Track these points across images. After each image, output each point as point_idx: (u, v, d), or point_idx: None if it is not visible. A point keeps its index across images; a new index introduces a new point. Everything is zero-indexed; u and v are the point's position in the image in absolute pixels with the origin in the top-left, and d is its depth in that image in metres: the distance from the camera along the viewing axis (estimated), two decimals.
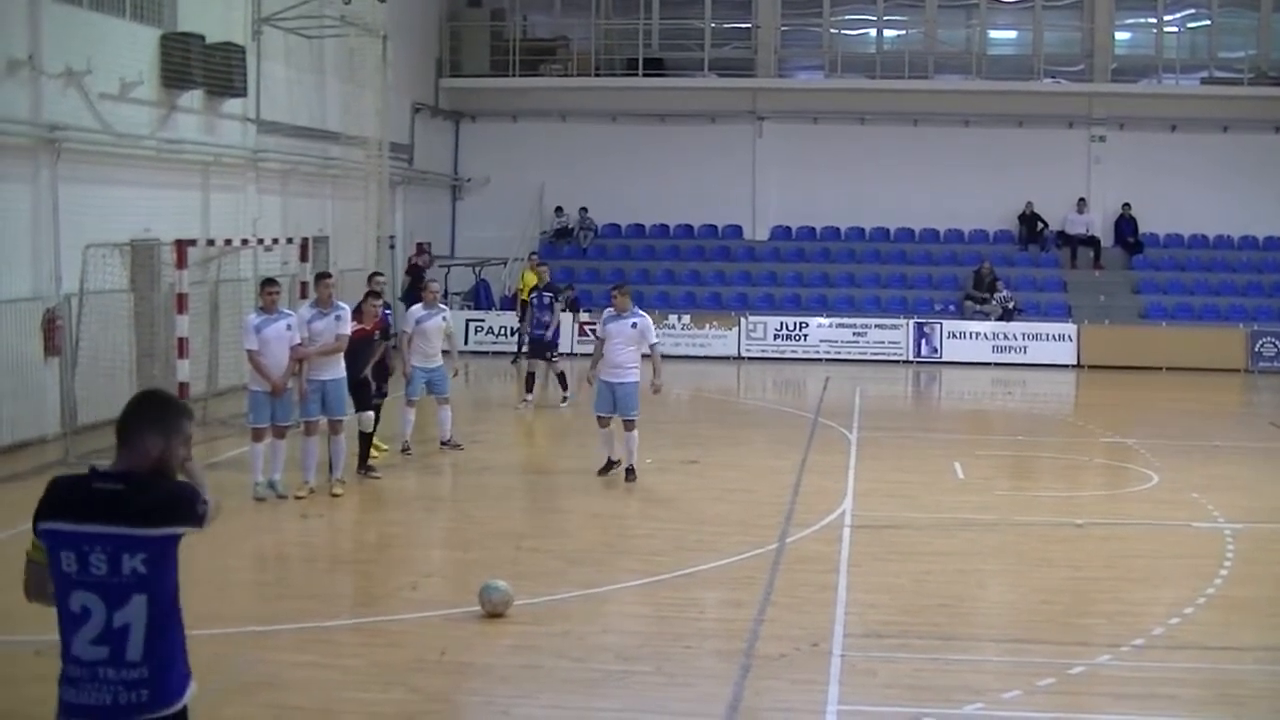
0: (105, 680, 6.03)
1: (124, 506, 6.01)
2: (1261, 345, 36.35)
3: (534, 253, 36.36)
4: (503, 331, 37.15)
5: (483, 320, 38.09)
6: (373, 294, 19.93)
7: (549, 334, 27.05)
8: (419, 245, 38.14)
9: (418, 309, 21.48)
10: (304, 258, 24.78)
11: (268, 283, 18.01)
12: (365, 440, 19.37)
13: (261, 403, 17.69)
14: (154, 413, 6.30)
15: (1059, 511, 17.97)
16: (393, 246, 36.81)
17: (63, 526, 6.01)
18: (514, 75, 42.40)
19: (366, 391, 19.03)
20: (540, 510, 18.11)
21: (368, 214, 32.70)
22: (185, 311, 20.70)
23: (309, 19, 29.81)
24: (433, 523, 17.57)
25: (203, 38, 26.37)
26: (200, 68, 26.21)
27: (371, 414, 19.22)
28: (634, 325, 19.37)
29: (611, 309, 19.74)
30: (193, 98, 26.61)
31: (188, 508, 6.26)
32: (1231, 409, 30.73)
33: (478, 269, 40.27)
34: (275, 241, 25.41)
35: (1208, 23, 43.01)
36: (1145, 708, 10.75)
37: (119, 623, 6.04)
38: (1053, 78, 42.85)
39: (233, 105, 28.11)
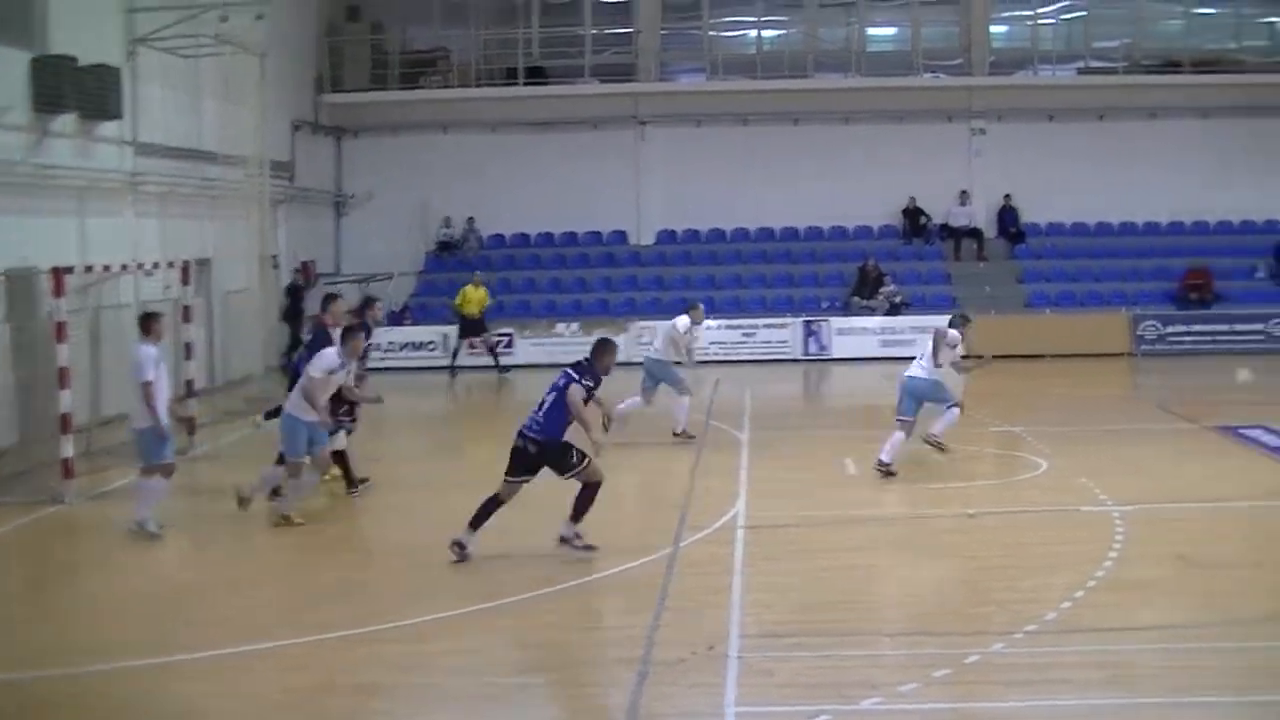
0: None
1: None
2: (1144, 329, 36.89)
3: (477, 270, 37.07)
4: (390, 347, 36.95)
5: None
6: (361, 327, 19.27)
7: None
8: (302, 264, 37.90)
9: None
10: (185, 281, 24.47)
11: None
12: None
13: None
14: None
15: (951, 502, 18.11)
16: (276, 266, 36.49)
17: None
18: (394, 88, 42.28)
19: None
20: (435, 526, 17.99)
21: (250, 234, 32.38)
22: (65, 340, 20.32)
23: (185, 38, 29.38)
24: (328, 543, 17.38)
25: (75, 60, 25.90)
26: (73, 91, 25.72)
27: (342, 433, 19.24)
28: None
29: None
30: (66, 121, 26.13)
31: None
32: (1117, 393, 31.09)
33: (364, 285, 39.99)
34: (156, 265, 25.08)
35: (1083, 13, 43.57)
36: (1039, 692, 10.82)
37: None
38: (931, 73, 43.22)
39: (108, 128, 27.66)
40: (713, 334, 37.30)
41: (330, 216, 43.08)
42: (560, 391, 15.53)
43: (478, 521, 15.32)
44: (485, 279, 37.29)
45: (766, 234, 42.86)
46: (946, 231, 41.94)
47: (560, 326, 37.71)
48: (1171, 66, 42.15)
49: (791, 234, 42.78)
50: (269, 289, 34.69)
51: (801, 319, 37.85)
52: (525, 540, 16.25)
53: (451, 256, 42.36)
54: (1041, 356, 35.28)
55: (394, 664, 11.97)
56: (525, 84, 42.66)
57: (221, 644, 12.46)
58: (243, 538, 17.24)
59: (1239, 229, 41.68)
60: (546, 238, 43.14)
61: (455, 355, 36.77)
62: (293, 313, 36.39)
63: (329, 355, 17.51)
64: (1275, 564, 14.83)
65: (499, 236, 43.08)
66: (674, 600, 13.53)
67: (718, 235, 43.01)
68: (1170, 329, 37.09)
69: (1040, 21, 43.70)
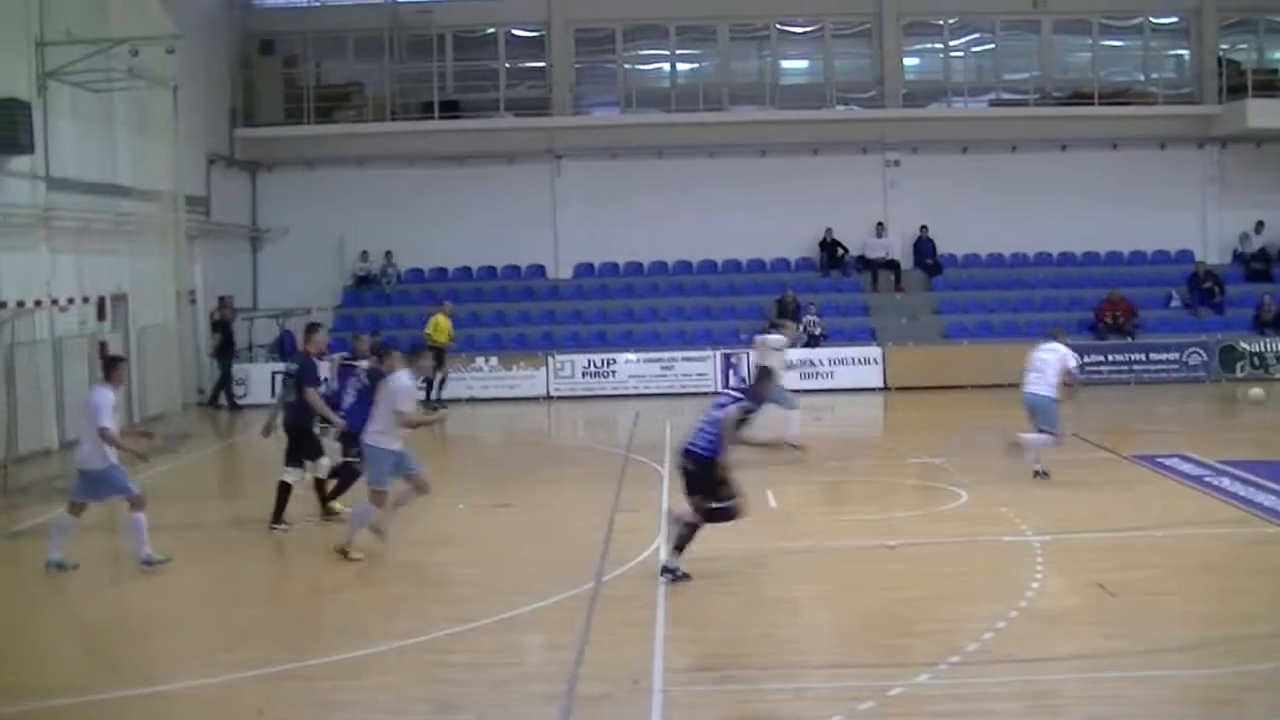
0: None
1: None
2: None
3: (444, 299, 37.26)
4: None
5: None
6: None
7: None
8: (220, 299, 37.65)
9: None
10: (101, 316, 24.23)
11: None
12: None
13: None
14: None
15: (872, 534, 18.13)
16: (193, 301, 36.28)
17: None
18: (309, 122, 42.07)
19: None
20: (354, 561, 17.82)
21: (165, 269, 32.18)
22: None
23: (96, 72, 29.20)
24: (244, 580, 17.20)
25: None
26: None
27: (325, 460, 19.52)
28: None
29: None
30: None
31: None
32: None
33: (281, 320, 39.80)
34: (70, 301, 24.84)
35: (992, 46, 44.03)
36: None
37: None
38: (845, 105, 43.50)
39: (20, 163, 27.46)
40: (631, 367, 37.39)
41: (247, 251, 42.80)
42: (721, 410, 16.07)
43: (682, 545, 15.62)
44: (451, 309, 37.27)
45: (684, 267, 42.96)
46: (864, 263, 42.18)
47: (479, 360, 37.60)
48: (1081, 99, 42.64)
49: (709, 266, 42.90)
50: (185, 324, 34.50)
51: (720, 351, 37.90)
52: (446, 574, 16.15)
53: (369, 291, 42.21)
54: (960, 387, 35.50)
55: (317, 700, 11.87)
56: (440, 118, 42.60)
57: (139, 683, 12.32)
58: (160, 574, 17.02)
59: (1153, 259, 42.22)
60: (465, 271, 43.04)
61: (440, 387, 36.15)
62: (224, 348, 36.32)
63: (408, 382, 17.26)
64: (1192, 592, 14.95)
65: (417, 270, 42.95)
66: (597, 635, 13.47)
67: (635, 268, 43.07)
68: (1086, 359, 37.28)
69: (951, 54, 44.12)
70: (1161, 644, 12.79)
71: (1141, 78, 44.16)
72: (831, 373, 37.53)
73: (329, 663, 12.73)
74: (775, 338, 25.29)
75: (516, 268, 43.16)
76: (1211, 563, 16.33)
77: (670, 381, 37.49)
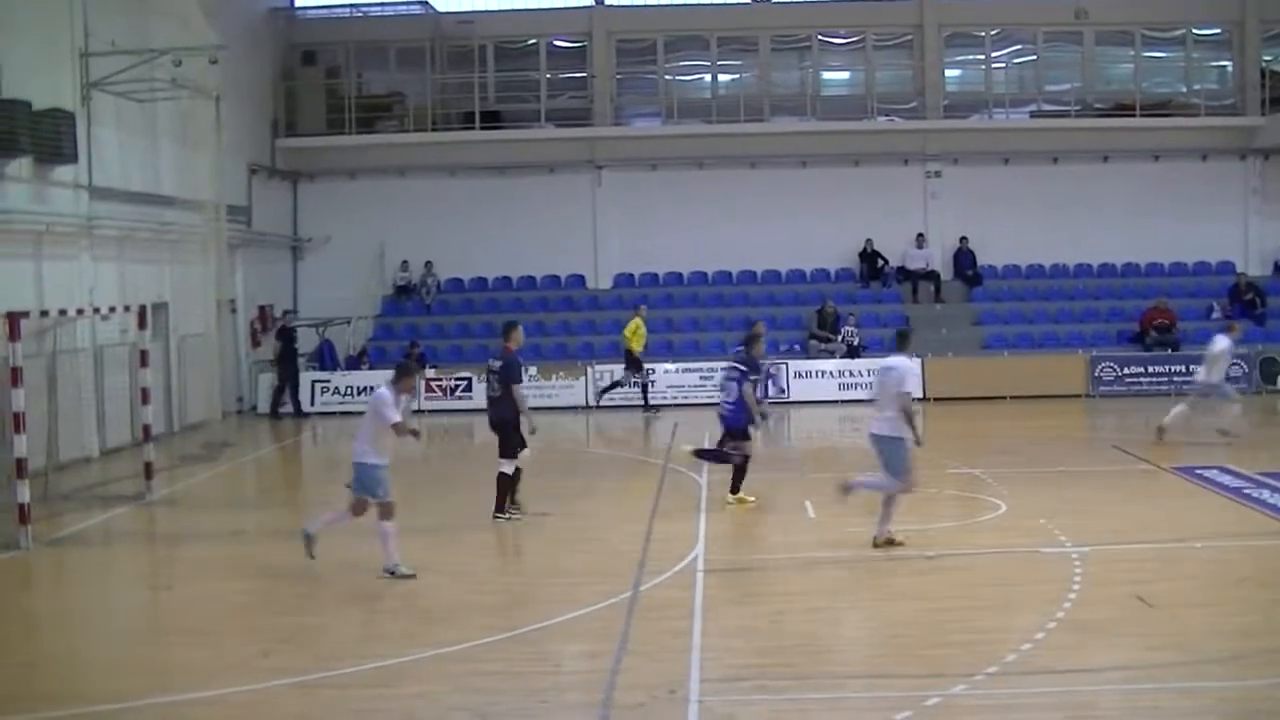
0: None
1: None
2: (1101, 370, 37.04)
3: (638, 304, 37.36)
4: (349, 391, 36.95)
5: (329, 381, 37.83)
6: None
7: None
8: (260, 309, 37.90)
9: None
10: (142, 325, 24.32)
11: None
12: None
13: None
14: None
15: (911, 545, 18.07)
16: (234, 310, 36.46)
17: None
18: (351, 133, 42.22)
19: None
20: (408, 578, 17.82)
21: (207, 278, 32.34)
22: (20, 385, 20.16)
23: (139, 82, 29.41)
24: (282, 589, 17.25)
25: (29, 104, 25.89)
26: (28, 135, 25.71)
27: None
28: None
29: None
30: (21, 165, 26.15)
31: None
32: (1075, 434, 31.14)
33: (321, 329, 39.95)
34: (112, 309, 24.95)
35: (1034, 58, 43.94)
36: None
37: None
38: (886, 116, 43.45)
39: (63, 172, 27.67)
40: (670, 377, 37.35)
41: (288, 260, 43.00)
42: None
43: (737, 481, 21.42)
44: (646, 314, 37.24)
45: (724, 277, 42.95)
46: (903, 274, 42.08)
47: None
48: (1123, 110, 42.53)
49: (749, 277, 42.88)
50: (225, 333, 34.68)
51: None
52: (485, 582, 16.18)
53: (409, 300, 42.34)
54: (1000, 398, 35.46)
55: (352, 708, 11.91)
56: (481, 128, 42.66)
57: (180, 689, 12.38)
58: (200, 582, 17.10)
59: (1193, 270, 42.04)
60: (504, 281, 43.11)
61: (646, 390, 36.96)
62: (286, 356, 36.62)
63: (385, 392, 17.22)
64: (1232, 603, 14.87)
65: (457, 280, 43.03)
66: (634, 644, 13.48)
67: (675, 278, 43.06)
68: (1127, 370, 37.26)
69: (993, 65, 44.03)
70: (1200, 655, 12.73)
71: (1184, 89, 44.02)
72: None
73: (365, 670, 12.76)
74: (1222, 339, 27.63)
75: (556, 278, 43.19)
76: (1251, 574, 16.24)
77: (709, 392, 37.35)
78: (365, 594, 16.29)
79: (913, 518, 20.33)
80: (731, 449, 21.73)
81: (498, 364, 20.51)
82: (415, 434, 17.42)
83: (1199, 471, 23.12)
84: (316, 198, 43.24)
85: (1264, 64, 42.75)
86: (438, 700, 12.11)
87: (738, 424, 21.66)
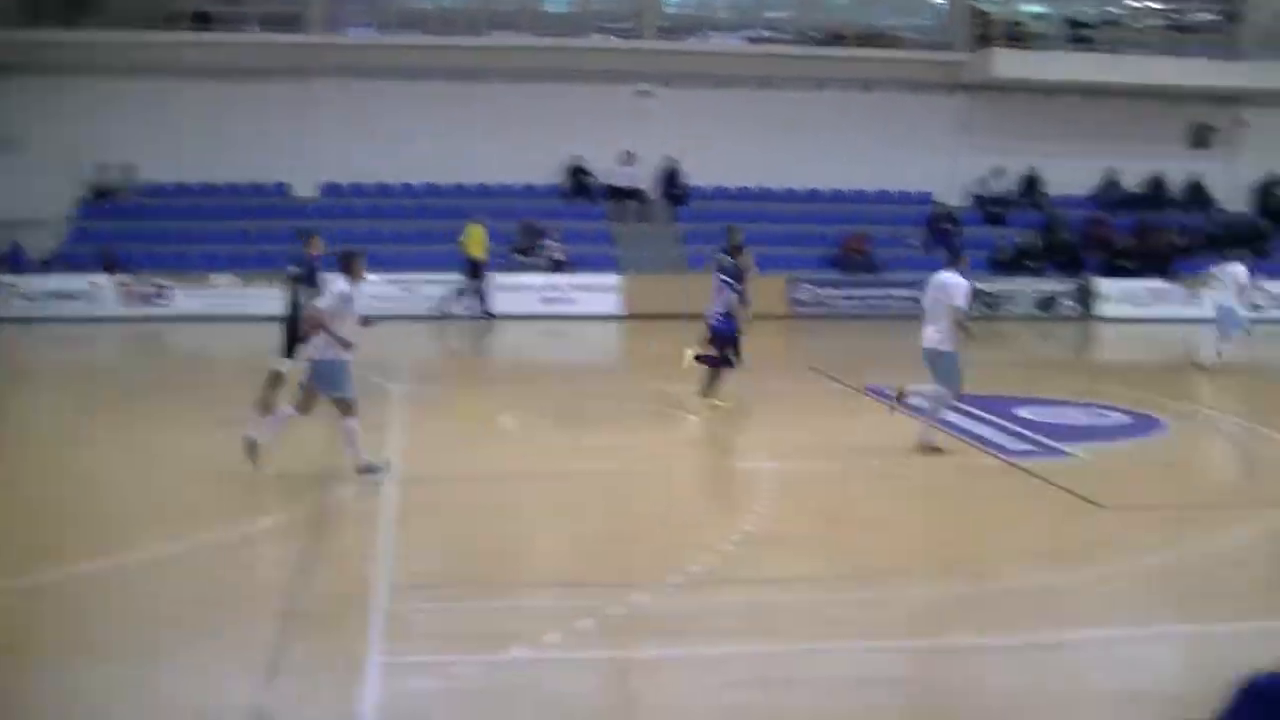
0: None
1: None
2: (799, 292, 37.70)
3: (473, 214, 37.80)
4: (40, 297, 35.89)
5: (15, 285, 36.61)
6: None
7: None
8: None
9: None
10: None
11: None
12: None
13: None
14: None
15: (603, 458, 18.16)
16: None
17: None
18: (50, 27, 40.66)
19: None
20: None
21: None
22: None
23: None
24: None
25: None
26: None
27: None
28: None
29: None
30: None
31: None
32: (773, 353, 31.55)
33: (10, 230, 38.56)
34: None
35: None
36: (682, 641, 10.92)
37: None
38: (603, 34, 43.50)
39: None
40: (374, 288, 36.86)
41: None
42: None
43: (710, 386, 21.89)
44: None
45: (432, 190, 42.63)
46: (610, 192, 42.26)
47: (216, 278, 36.94)
48: (837, 39, 43.31)
49: (457, 190, 42.60)
50: None
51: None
52: (170, 495, 15.86)
53: (107, 203, 41.08)
54: (701, 316, 35.80)
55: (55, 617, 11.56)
56: (189, 29, 41.54)
57: None
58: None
59: (897, 199, 43.00)
60: (208, 188, 42.12)
61: (483, 299, 37.33)
62: None
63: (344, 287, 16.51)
64: (910, 518, 15.33)
65: (158, 185, 41.86)
66: (321, 553, 13.31)
67: (384, 190, 42.62)
68: (825, 292, 37.99)
69: None
70: (877, 566, 13.03)
71: (895, 21, 44.92)
72: (573, 299, 37.69)
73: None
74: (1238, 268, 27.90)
75: (260, 185, 42.37)
76: (931, 489, 16.74)
77: (413, 304, 37.22)
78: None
79: (607, 432, 20.50)
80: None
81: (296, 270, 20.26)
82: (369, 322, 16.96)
83: (887, 393, 23.62)
84: (9, 94, 41.48)
85: (973, 2, 43.84)
86: (125, 609, 11.78)
87: (729, 332, 22.48)
